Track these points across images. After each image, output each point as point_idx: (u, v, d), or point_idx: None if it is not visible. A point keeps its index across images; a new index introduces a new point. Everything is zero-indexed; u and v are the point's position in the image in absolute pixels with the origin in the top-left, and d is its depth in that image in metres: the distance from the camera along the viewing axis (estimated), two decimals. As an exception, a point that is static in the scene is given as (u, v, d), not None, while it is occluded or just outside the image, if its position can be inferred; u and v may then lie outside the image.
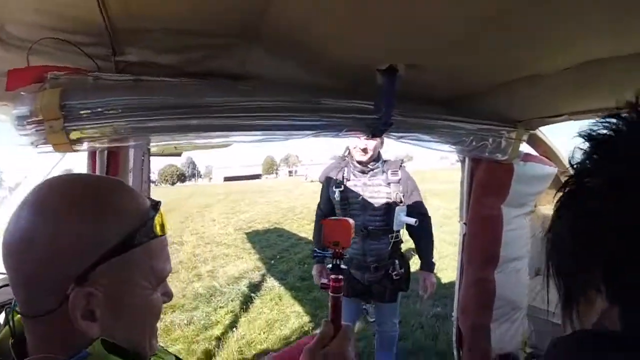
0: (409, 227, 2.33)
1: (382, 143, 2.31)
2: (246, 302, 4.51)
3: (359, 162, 2.30)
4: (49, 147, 0.92)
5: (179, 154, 7.15)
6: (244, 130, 1.12)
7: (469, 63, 1.12)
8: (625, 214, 0.35)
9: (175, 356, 0.74)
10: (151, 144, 1.14)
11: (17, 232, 0.50)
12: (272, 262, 6.28)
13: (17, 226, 0.50)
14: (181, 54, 1.06)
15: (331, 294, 0.82)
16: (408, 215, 2.25)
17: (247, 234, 8.86)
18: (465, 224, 1.80)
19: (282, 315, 4.14)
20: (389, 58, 1.10)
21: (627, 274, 0.35)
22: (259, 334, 3.72)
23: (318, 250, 1.06)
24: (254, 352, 3.41)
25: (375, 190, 2.30)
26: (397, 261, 2.34)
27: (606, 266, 0.37)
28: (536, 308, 1.95)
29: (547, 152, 1.88)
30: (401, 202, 2.29)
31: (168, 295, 0.63)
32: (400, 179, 2.33)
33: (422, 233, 2.42)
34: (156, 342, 0.63)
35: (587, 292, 0.40)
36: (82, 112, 0.90)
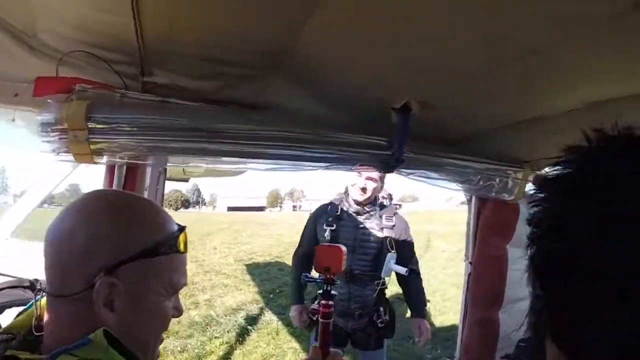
0: (398, 276, 2.25)
1: (381, 187, 2.28)
2: (242, 334, 4.42)
3: (356, 202, 2.24)
4: (70, 157, 0.96)
5: (186, 180, 7.19)
6: (257, 158, 1.16)
7: (479, 103, 1.16)
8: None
9: None
10: (168, 164, 1.17)
11: (61, 227, 0.59)
12: (271, 295, 6.18)
13: (62, 223, 0.59)
14: (205, 81, 1.12)
15: (321, 320, 0.83)
16: (397, 263, 2.17)
17: (247, 265, 8.76)
18: (470, 263, 1.79)
19: (279, 350, 4.03)
20: (404, 96, 1.14)
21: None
22: (254, 368, 3.61)
23: (309, 276, 1.06)
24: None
25: (368, 233, 2.23)
26: (381, 308, 2.26)
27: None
28: None
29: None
30: (393, 249, 2.20)
31: (178, 310, 0.70)
32: (394, 225, 2.27)
33: (413, 282, 2.34)
34: (158, 353, 0.69)
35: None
36: (106, 125, 0.95)
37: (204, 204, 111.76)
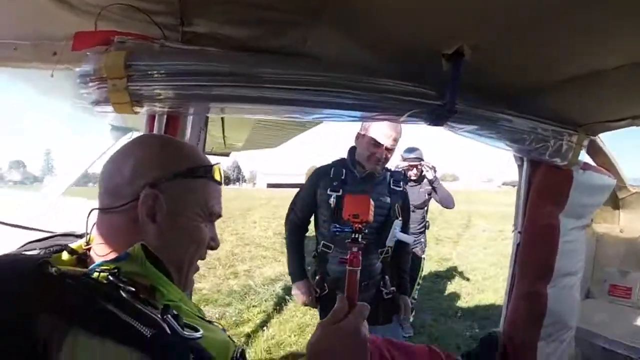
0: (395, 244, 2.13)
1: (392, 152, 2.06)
2: (280, 303, 4.51)
3: (369, 170, 2.03)
4: (109, 107, 0.96)
5: (227, 154, 7.31)
6: (299, 105, 1.10)
7: (534, 52, 1.06)
8: None
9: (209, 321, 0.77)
10: (209, 113, 1.16)
11: (113, 157, 0.69)
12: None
13: (114, 155, 0.69)
14: (245, 28, 1.08)
15: (349, 268, 0.79)
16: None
17: (286, 238, 8.92)
18: (520, 232, 1.69)
19: (315, 320, 4.09)
20: (456, 41, 1.05)
21: None
22: (290, 336, 3.69)
23: (338, 225, 0.99)
24: (282, 353, 3.38)
25: (376, 199, 1.99)
26: (387, 277, 2.12)
27: None
28: (584, 330, 1.79)
29: (605, 164, 1.75)
30: (399, 216, 2.09)
31: (215, 241, 0.75)
32: (402, 190, 2.14)
33: (406, 254, 2.24)
34: (193, 280, 0.74)
35: None
36: (146, 73, 0.94)
37: (244, 181, 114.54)
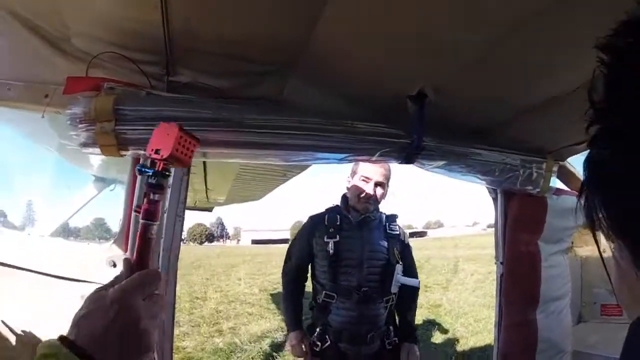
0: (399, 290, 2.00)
1: (385, 194, 2.02)
2: (268, 360, 4.31)
3: (361, 210, 1.98)
4: (96, 149, 0.99)
5: (210, 209, 7.28)
6: (277, 149, 1.17)
7: (494, 85, 1.16)
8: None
9: None
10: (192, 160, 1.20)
11: None
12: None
13: None
14: (227, 79, 1.16)
15: (142, 221, 0.63)
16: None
17: (272, 294, 8.66)
18: (502, 263, 1.72)
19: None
20: (418, 83, 1.16)
21: None
22: (280, 394, 3.49)
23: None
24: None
25: (374, 244, 1.97)
26: (391, 327, 2.00)
27: None
28: (582, 353, 1.77)
29: (578, 187, 1.81)
30: (400, 260, 1.99)
31: None
32: (399, 234, 2.06)
33: (412, 299, 2.12)
34: None
35: None
36: (132, 118, 0.98)
37: (228, 238, 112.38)
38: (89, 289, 1.09)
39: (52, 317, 1.14)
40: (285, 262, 2.14)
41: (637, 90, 0.31)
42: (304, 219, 2.20)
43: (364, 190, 1.94)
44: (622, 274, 0.37)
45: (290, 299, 2.11)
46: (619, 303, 0.40)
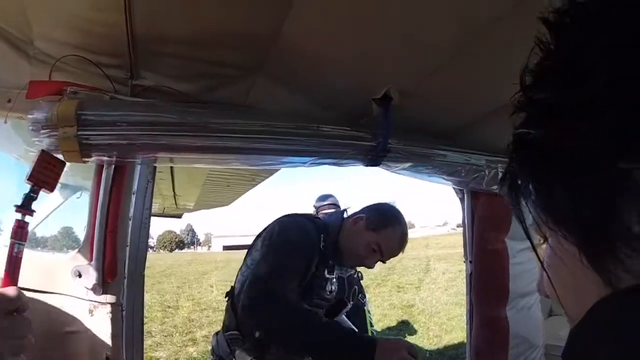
0: None
1: None
2: (243, 368, 4.24)
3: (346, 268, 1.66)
4: (60, 155, 0.96)
5: (179, 216, 7.13)
6: (243, 154, 1.16)
7: (457, 88, 1.20)
8: None
9: None
10: (156, 163, 1.17)
11: None
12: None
13: None
14: (192, 82, 1.14)
15: (12, 240, 0.63)
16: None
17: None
18: (471, 262, 1.77)
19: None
20: (383, 86, 1.18)
21: None
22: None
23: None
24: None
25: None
26: None
27: None
28: (554, 346, 1.85)
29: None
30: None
31: None
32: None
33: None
34: None
35: None
36: (96, 122, 0.95)
37: (199, 244, 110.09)
38: (54, 300, 1.05)
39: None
40: (275, 286, 1.31)
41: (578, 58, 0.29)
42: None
43: (367, 261, 1.51)
44: (563, 269, 0.34)
45: (313, 317, 1.35)
46: (563, 306, 0.35)
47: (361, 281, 2.97)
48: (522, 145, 0.33)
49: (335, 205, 3.18)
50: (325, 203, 3.17)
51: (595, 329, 0.30)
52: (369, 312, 3.12)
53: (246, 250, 1.59)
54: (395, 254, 1.55)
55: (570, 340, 0.32)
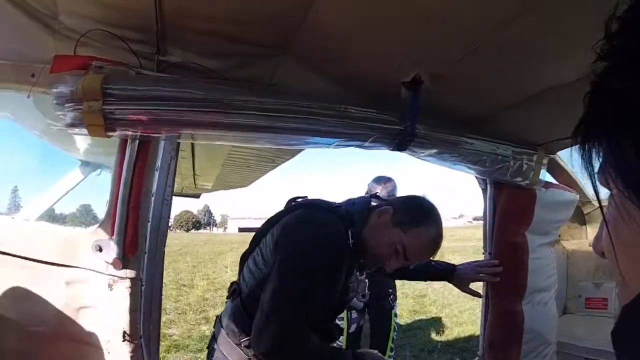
0: None
1: None
2: (254, 347, 4.33)
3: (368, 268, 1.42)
4: (84, 130, 0.96)
5: (197, 196, 7.23)
6: (268, 132, 1.14)
7: (488, 73, 1.16)
8: None
9: None
10: (180, 139, 1.17)
11: None
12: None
13: None
14: (219, 59, 1.13)
15: None
16: None
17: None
18: (489, 253, 1.74)
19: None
20: (413, 69, 1.14)
21: None
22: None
23: None
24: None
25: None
26: None
27: None
28: (564, 343, 1.82)
29: (567, 181, 1.86)
30: None
31: None
32: None
33: None
34: None
35: None
36: (121, 97, 0.95)
37: (215, 225, 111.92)
38: (73, 274, 1.07)
39: (37, 303, 1.12)
40: (290, 317, 1.14)
41: None
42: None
43: (388, 263, 1.28)
44: (624, 229, 0.31)
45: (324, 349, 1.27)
46: (619, 265, 0.33)
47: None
48: (599, 95, 0.31)
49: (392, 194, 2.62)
50: (380, 188, 2.60)
51: None
52: (395, 315, 2.72)
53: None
54: (423, 259, 1.34)
55: (624, 315, 0.31)
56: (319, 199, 1.40)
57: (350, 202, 1.38)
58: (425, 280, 1.85)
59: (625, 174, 0.29)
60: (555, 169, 1.81)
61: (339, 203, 1.39)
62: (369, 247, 1.28)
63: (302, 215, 1.27)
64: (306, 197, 1.42)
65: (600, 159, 0.31)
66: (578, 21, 0.82)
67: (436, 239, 1.30)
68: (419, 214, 1.29)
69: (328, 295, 1.23)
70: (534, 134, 1.53)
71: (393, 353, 2.72)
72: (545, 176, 1.69)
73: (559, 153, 1.74)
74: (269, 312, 1.11)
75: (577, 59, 1.01)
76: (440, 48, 1.04)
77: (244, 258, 1.37)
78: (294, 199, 1.41)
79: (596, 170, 0.32)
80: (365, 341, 2.42)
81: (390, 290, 2.40)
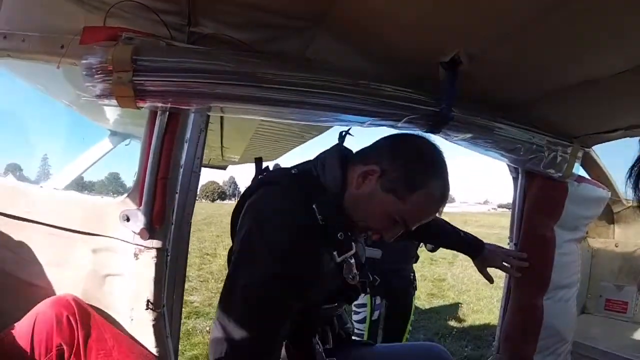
0: None
1: None
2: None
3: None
4: (113, 101, 0.97)
5: (224, 167, 7.31)
6: (299, 107, 1.12)
7: (528, 60, 1.09)
8: None
9: None
10: (210, 112, 1.17)
11: None
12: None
13: None
14: (251, 31, 1.11)
15: None
16: None
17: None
18: (515, 244, 1.69)
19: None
20: (452, 49, 1.08)
21: None
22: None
23: None
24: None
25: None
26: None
27: None
28: (580, 344, 1.78)
29: (600, 177, 1.79)
30: None
31: None
32: None
33: None
34: None
35: None
36: (151, 68, 0.95)
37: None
38: (100, 242, 1.10)
39: (65, 270, 1.16)
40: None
41: None
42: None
43: (385, 234, 1.08)
44: None
45: None
46: None
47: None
48: None
49: None
50: None
51: None
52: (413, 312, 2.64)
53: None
54: (428, 219, 1.09)
55: None
56: (278, 170, 1.24)
57: (320, 162, 1.11)
58: (447, 248, 1.78)
59: None
60: (589, 163, 1.74)
61: (304, 164, 1.14)
62: (356, 220, 1.05)
63: (260, 205, 1.05)
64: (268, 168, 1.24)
65: None
66: (629, 12, 0.77)
67: (443, 196, 1.06)
68: (417, 172, 1.02)
69: (314, 294, 1.06)
70: (570, 125, 1.46)
71: (409, 336, 2.69)
72: (579, 170, 1.62)
73: (594, 148, 1.66)
74: (222, 335, 0.93)
75: (624, 50, 0.95)
76: (482, 29, 0.98)
77: None
78: (262, 170, 1.23)
79: None
80: (382, 324, 2.42)
81: (412, 275, 2.37)
